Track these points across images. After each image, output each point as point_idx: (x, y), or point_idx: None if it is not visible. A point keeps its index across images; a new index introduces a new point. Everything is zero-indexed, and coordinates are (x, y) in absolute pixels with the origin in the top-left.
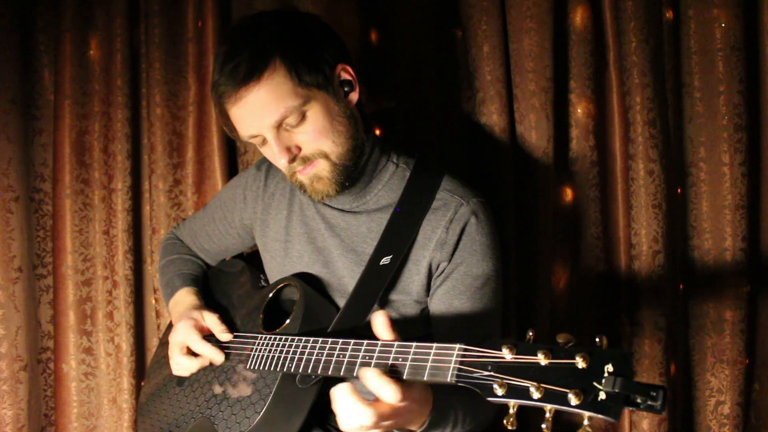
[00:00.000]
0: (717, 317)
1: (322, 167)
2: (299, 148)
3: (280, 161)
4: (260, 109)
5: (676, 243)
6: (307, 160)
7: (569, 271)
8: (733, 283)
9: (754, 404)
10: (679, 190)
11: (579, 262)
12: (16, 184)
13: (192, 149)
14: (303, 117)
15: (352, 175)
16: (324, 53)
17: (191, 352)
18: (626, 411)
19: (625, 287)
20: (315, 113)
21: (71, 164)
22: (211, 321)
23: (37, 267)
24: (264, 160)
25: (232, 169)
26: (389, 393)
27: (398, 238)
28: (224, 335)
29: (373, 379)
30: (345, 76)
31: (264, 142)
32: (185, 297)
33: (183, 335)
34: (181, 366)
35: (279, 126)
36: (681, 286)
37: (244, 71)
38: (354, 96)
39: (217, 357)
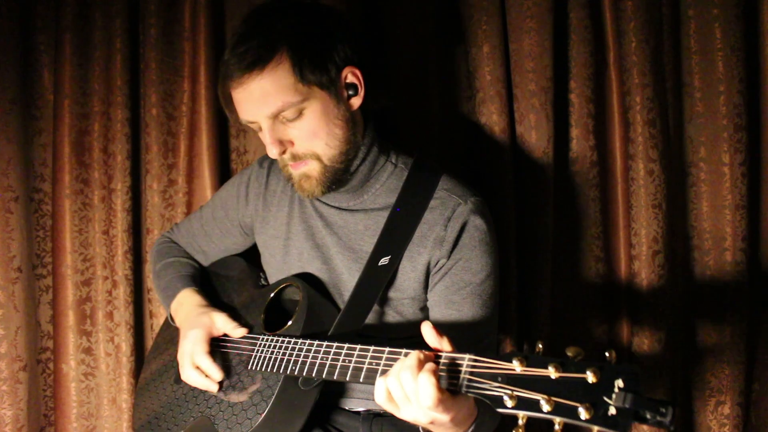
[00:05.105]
0: (717, 317)
1: (312, 167)
2: (292, 143)
3: (271, 152)
4: (259, 98)
5: (676, 243)
6: (297, 158)
7: (569, 271)
8: (733, 283)
9: (754, 404)
10: (679, 190)
11: (579, 262)
12: (16, 184)
13: (184, 149)
14: (300, 114)
15: (342, 177)
16: (334, 53)
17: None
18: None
19: (625, 287)
20: (312, 112)
21: (71, 164)
22: (222, 321)
23: (36, 267)
24: (266, 156)
25: (222, 169)
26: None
27: (397, 238)
28: (238, 331)
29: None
30: (351, 79)
31: (261, 128)
32: (189, 297)
33: (192, 345)
34: (190, 378)
35: (275, 117)
36: (681, 286)
37: (251, 58)
38: (356, 101)
39: (215, 374)
